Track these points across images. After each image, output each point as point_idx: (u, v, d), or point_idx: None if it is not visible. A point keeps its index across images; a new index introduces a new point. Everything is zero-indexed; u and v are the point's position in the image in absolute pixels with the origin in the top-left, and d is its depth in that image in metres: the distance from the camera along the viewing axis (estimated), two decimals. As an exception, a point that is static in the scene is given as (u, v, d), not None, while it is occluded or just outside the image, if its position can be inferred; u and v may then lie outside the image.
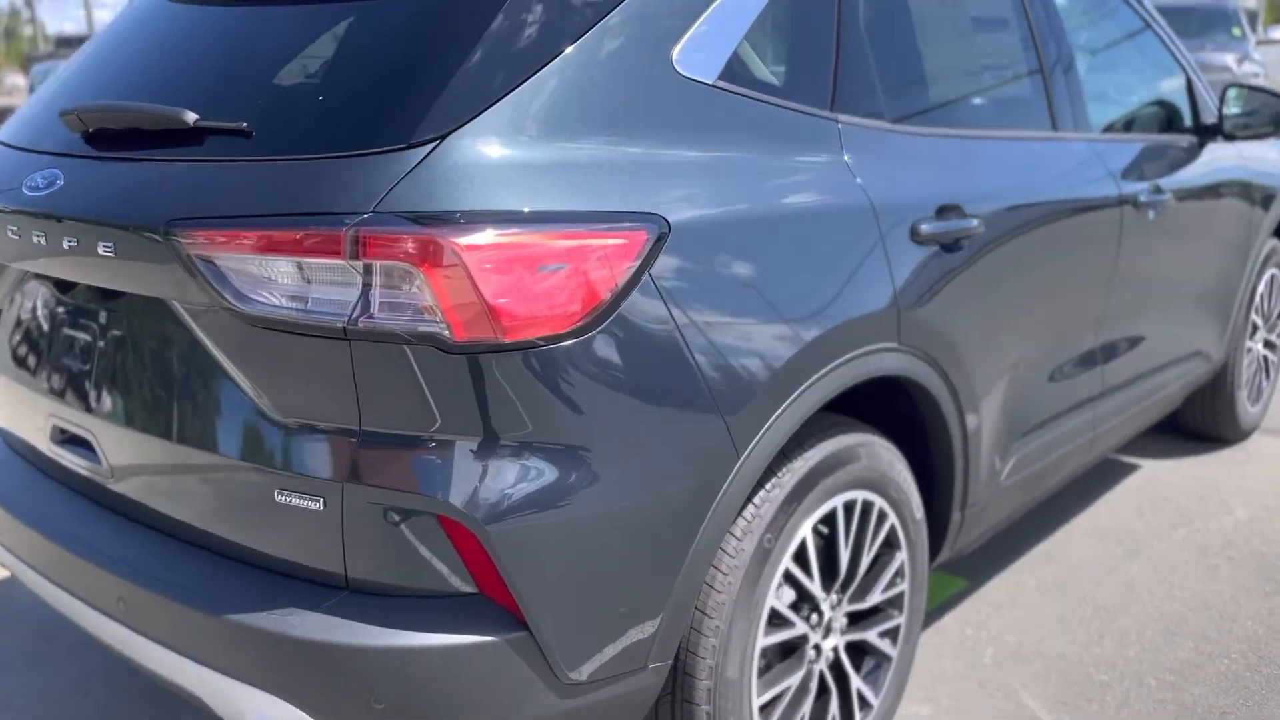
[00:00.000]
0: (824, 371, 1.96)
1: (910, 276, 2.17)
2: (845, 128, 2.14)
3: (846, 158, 2.11)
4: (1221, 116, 3.61)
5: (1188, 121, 3.60)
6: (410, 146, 1.61)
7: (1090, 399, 3.05)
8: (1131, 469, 4.11)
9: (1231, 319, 3.93)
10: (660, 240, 1.71)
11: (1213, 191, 3.61)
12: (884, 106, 2.26)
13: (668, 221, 1.73)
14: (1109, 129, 3.21)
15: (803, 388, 1.92)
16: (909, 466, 2.34)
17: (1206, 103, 3.65)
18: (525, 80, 1.69)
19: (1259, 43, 16.58)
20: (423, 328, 1.57)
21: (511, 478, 1.62)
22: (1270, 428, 4.52)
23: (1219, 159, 3.63)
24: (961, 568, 3.29)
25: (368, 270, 1.57)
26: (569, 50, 1.74)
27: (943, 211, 2.27)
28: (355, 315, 1.57)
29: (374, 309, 1.57)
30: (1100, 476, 4.01)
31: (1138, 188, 3.07)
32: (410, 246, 1.54)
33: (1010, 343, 2.58)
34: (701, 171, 1.84)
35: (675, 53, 1.87)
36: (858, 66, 2.21)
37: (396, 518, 1.64)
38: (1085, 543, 3.49)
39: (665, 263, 1.72)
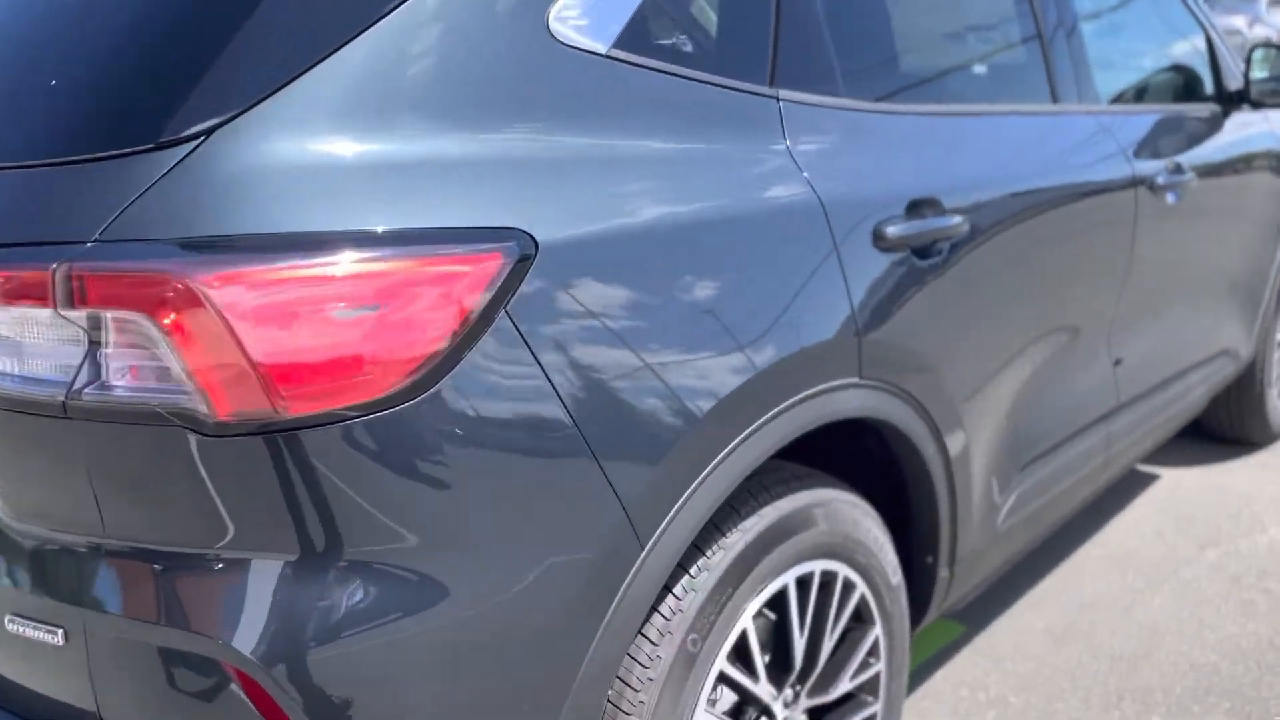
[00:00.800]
0: (755, 427, 1.51)
1: (873, 293, 1.71)
2: (788, 106, 1.69)
3: (790, 144, 1.66)
4: (1247, 82, 3.21)
5: (1209, 88, 3.16)
6: (160, 147, 1.17)
7: (1103, 416, 2.61)
8: (1150, 479, 3.67)
9: (1261, 310, 3.48)
10: (524, 263, 1.27)
11: (1240, 167, 3.18)
12: (839, 79, 1.80)
13: (534, 239, 1.28)
14: (1119, 99, 2.76)
15: (726, 451, 1.47)
16: (880, 520, 1.90)
17: (1230, 67, 3.21)
18: (331, 54, 1.25)
19: (1270, 3, 15.96)
20: (179, 402, 1.13)
21: (317, 604, 1.18)
22: (1303, 428, 4.07)
23: (1246, 129, 3.20)
24: (956, 610, 2.84)
25: (93, 322, 1.13)
26: (394, 13, 1.29)
27: (915, 208, 1.82)
28: (79, 386, 1.14)
29: (106, 376, 1.14)
30: (1115, 489, 3.56)
31: (1154, 167, 2.62)
32: (140, 287, 1.10)
33: (1004, 363, 2.12)
34: (588, 169, 1.40)
35: (551, 14, 1.42)
36: (805, 28, 1.75)
37: (158, 660, 1.20)
38: (1099, 573, 3.05)
39: (531, 294, 1.27)
